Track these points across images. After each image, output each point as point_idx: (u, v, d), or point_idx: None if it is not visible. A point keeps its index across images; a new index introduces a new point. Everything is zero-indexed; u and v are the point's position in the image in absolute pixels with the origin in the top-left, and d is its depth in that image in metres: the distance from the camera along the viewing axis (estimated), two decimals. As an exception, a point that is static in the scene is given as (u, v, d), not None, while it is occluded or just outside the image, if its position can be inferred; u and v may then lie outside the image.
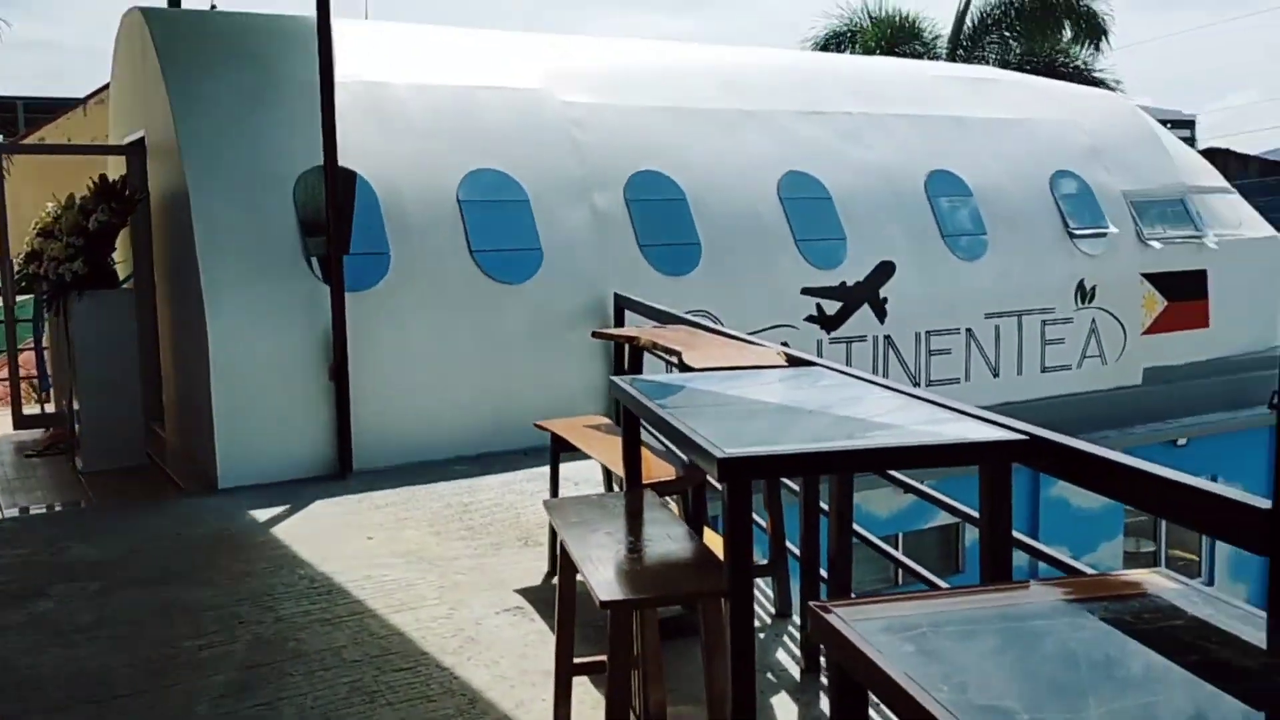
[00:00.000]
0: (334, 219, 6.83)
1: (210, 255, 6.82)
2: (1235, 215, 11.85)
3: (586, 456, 5.07)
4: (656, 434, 5.09)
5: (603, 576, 2.65)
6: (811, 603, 1.89)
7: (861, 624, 1.81)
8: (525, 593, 4.77)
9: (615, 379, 3.38)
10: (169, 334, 8.04)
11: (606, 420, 5.47)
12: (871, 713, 2.00)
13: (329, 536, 5.66)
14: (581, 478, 6.25)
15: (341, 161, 6.90)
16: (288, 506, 6.20)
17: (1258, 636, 1.88)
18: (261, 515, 6.06)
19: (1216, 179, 12.29)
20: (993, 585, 2.22)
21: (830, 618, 1.83)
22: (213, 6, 9.31)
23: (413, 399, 7.27)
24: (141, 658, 4.16)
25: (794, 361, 3.89)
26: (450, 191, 7.66)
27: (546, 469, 6.61)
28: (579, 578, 3.02)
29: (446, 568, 5.13)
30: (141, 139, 8.23)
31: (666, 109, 8.92)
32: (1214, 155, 21.94)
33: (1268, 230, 12.03)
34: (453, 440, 7.28)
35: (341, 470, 6.89)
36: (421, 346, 7.33)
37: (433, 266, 7.47)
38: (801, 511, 3.66)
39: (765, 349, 4.35)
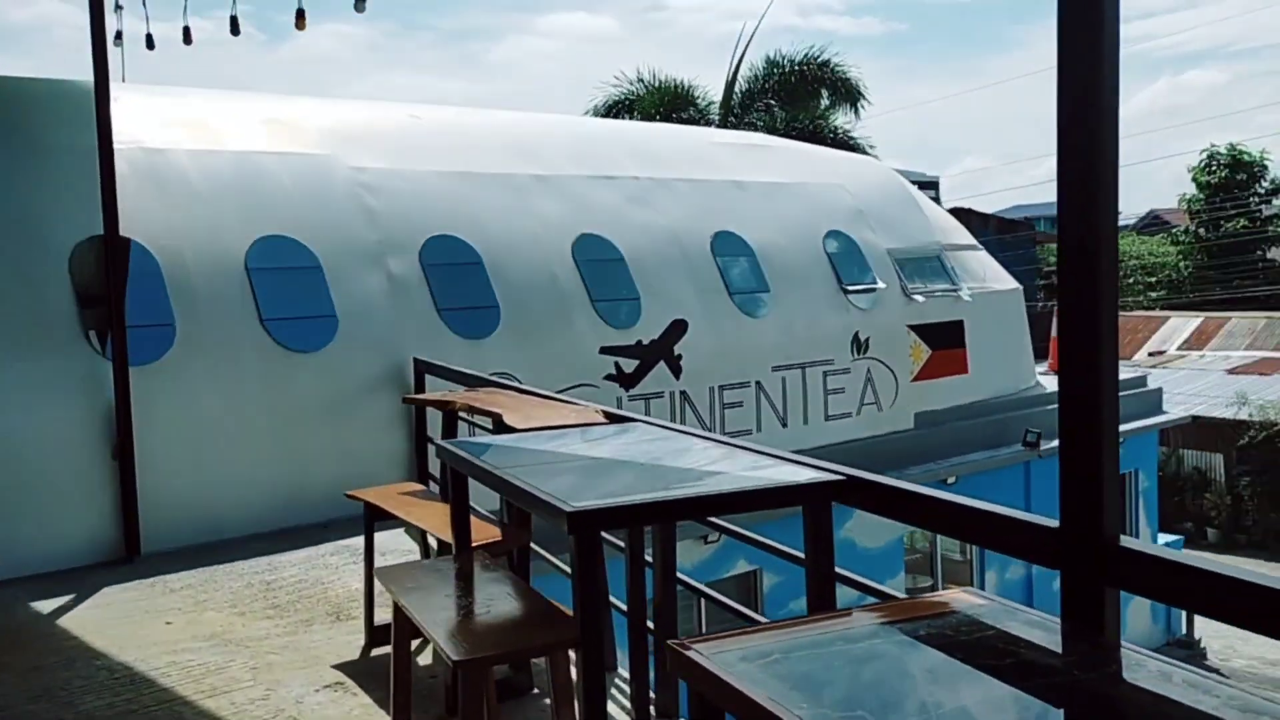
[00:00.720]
0: (116, 290, 6.53)
1: (-23, 332, 6.37)
2: (983, 269, 13.01)
3: (394, 526, 5.02)
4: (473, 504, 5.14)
5: (451, 637, 2.68)
6: (669, 641, 2.01)
7: (719, 656, 1.96)
8: (343, 668, 4.66)
9: (442, 442, 3.42)
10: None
11: (420, 486, 5.45)
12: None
13: (123, 624, 5.33)
14: (389, 548, 6.15)
15: (121, 231, 6.61)
16: (73, 595, 5.80)
17: (1054, 640, 2.16)
18: (45, 606, 5.65)
19: (966, 236, 13.48)
20: (824, 614, 2.40)
21: (690, 654, 1.97)
22: (-32, 68, 8.71)
23: (204, 475, 6.95)
24: (-78, 771, 3.82)
25: (613, 419, 4.03)
26: (238, 259, 7.45)
27: (350, 541, 6.50)
28: (415, 644, 3.03)
29: (257, 648, 4.94)
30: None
31: (458, 173, 8.99)
32: (958, 214, 23.92)
33: (1011, 283, 13.26)
34: (249, 516, 7.00)
35: (129, 553, 6.52)
36: (212, 420, 7.04)
37: (221, 337, 7.21)
38: (628, 562, 3.78)
39: (583, 408, 4.48)
